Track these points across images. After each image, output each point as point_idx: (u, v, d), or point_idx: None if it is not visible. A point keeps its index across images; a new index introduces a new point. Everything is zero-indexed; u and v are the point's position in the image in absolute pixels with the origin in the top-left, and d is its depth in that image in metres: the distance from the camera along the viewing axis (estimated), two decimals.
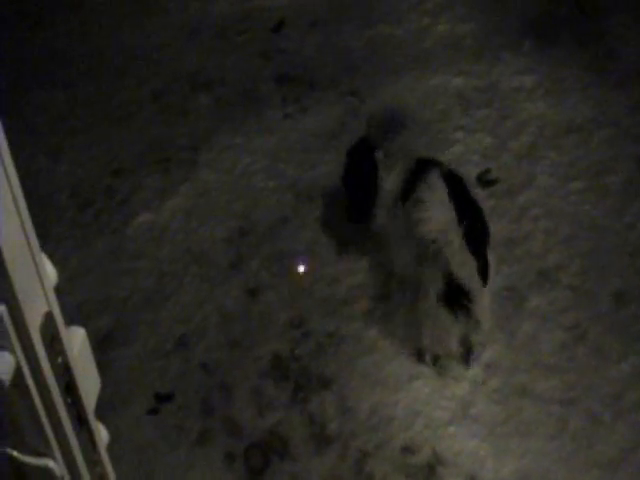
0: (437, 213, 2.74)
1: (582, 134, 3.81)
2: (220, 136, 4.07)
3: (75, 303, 3.30)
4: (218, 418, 2.95)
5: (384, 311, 3.18)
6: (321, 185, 3.69)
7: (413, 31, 4.53)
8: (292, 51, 4.54)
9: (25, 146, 4.05)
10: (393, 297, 3.19)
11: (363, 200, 3.20)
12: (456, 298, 2.70)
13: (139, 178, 3.91)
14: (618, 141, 3.76)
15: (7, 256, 0.86)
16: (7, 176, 0.88)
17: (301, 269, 3.39)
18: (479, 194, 3.13)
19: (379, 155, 3.15)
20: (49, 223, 3.67)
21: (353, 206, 3.33)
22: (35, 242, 0.94)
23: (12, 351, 0.91)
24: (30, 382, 0.95)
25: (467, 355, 2.98)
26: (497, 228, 3.27)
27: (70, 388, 1.02)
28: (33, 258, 0.94)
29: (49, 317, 0.97)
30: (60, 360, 1.00)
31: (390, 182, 3.07)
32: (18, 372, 0.93)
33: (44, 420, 0.97)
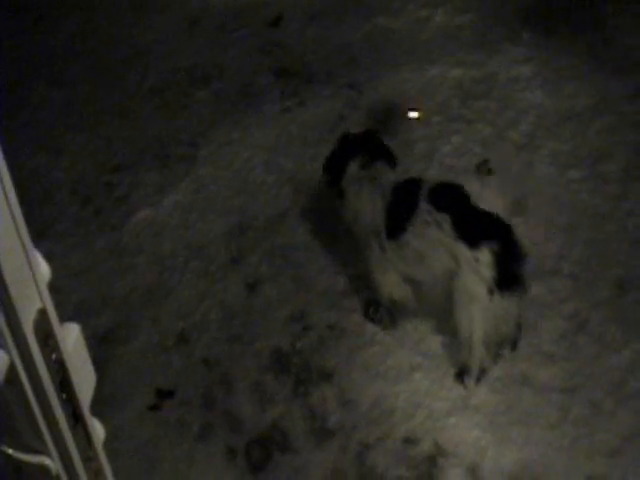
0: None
1: (581, 122, 3.80)
2: (219, 131, 4.07)
3: (76, 300, 3.30)
4: (219, 413, 2.96)
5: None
6: (320, 178, 3.68)
7: (411, 23, 4.52)
8: (290, 45, 4.54)
9: (25, 143, 4.05)
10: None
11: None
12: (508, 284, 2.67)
13: (139, 174, 3.92)
14: (617, 129, 3.74)
15: None
16: None
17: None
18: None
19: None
20: (49, 220, 3.67)
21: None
22: (28, 238, 0.93)
23: (6, 348, 0.91)
24: (24, 379, 0.94)
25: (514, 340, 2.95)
26: None
27: (65, 385, 1.01)
28: (26, 255, 0.93)
29: (43, 314, 0.97)
30: (54, 357, 0.99)
31: (368, 200, 2.94)
32: (12, 369, 0.93)
33: (39, 417, 0.97)
